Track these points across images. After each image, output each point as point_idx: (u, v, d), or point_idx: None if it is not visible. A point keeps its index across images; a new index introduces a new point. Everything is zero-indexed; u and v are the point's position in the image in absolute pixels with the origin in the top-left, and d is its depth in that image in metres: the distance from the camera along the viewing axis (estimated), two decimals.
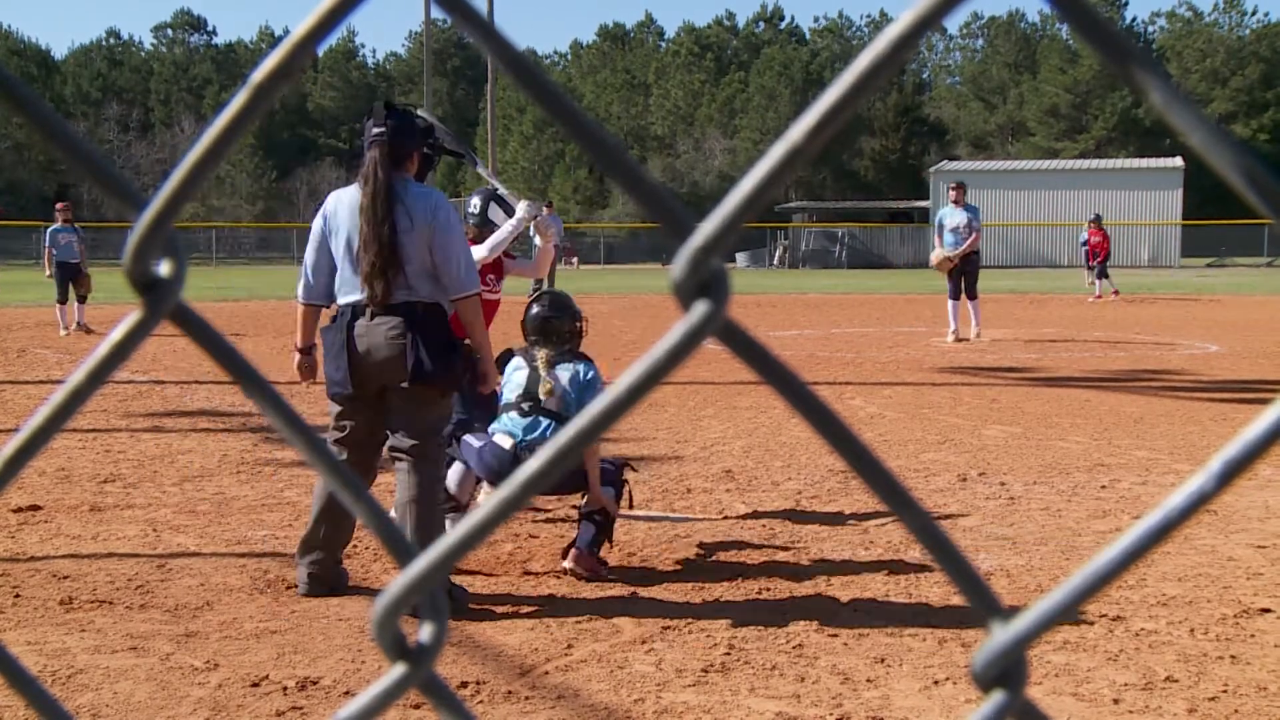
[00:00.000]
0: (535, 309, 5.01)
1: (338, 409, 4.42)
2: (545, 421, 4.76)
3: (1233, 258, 49.54)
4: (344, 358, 4.26)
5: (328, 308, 4.49)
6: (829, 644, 3.88)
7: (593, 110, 71.92)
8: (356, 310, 4.29)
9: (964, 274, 14.60)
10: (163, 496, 6.09)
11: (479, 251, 5.69)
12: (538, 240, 6.01)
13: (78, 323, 15.98)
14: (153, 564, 4.84)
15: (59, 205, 16.65)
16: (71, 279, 15.83)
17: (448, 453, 4.76)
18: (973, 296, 14.76)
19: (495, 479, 4.71)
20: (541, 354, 4.90)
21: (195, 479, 6.52)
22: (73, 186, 67.92)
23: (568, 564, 4.68)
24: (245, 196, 71.75)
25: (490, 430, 4.82)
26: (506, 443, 4.70)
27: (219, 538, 5.28)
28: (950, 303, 14.95)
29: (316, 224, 4.43)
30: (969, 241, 14.44)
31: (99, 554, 4.98)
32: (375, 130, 4.32)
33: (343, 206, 4.36)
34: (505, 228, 5.73)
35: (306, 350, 4.62)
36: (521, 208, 5.81)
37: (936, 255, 14.65)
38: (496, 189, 6.03)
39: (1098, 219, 23.95)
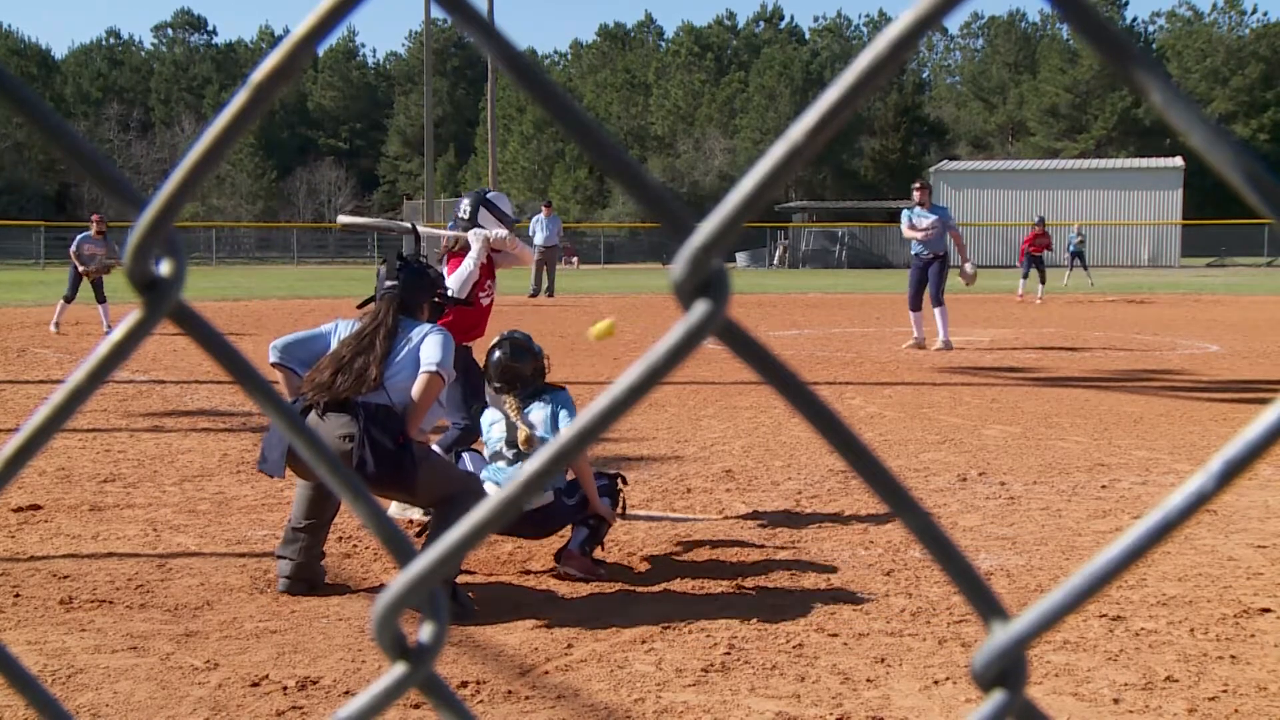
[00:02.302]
0: (496, 355, 4.99)
1: None
2: None
3: (1233, 258, 49.55)
4: (285, 443, 4.22)
5: (296, 375, 4.54)
6: (829, 644, 3.88)
7: (593, 110, 71.91)
8: (310, 405, 4.29)
9: (928, 279, 13.47)
10: (163, 496, 6.10)
11: (453, 282, 5.69)
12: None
13: (105, 325, 16.02)
14: (153, 564, 4.84)
15: (94, 217, 16.64)
16: (88, 278, 15.93)
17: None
18: (938, 302, 13.52)
19: None
20: (509, 400, 4.93)
21: (195, 479, 6.52)
22: (73, 186, 67.88)
23: (561, 567, 4.70)
24: (245, 196, 71.71)
25: (482, 478, 4.81)
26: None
27: (219, 537, 5.28)
28: (912, 314, 13.80)
29: (327, 325, 4.69)
30: (957, 242, 13.34)
31: (99, 554, 4.98)
32: (388, 284, 4.59)
33: (349, 330, 4.58)
34: (467, 264, 5.76)
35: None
36: (474, 243, 5.83)
37: (969, 271, 13.40)
38: (482, 200, 6.03)
39: (1041, 220, 23.88)
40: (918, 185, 13.78)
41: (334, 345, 4.51)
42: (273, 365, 4.57)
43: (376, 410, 4.22)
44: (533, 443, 4.81)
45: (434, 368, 4.36)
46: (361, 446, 4.13)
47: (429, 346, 4.44)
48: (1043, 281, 23.25)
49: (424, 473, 4.24)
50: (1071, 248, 30.14)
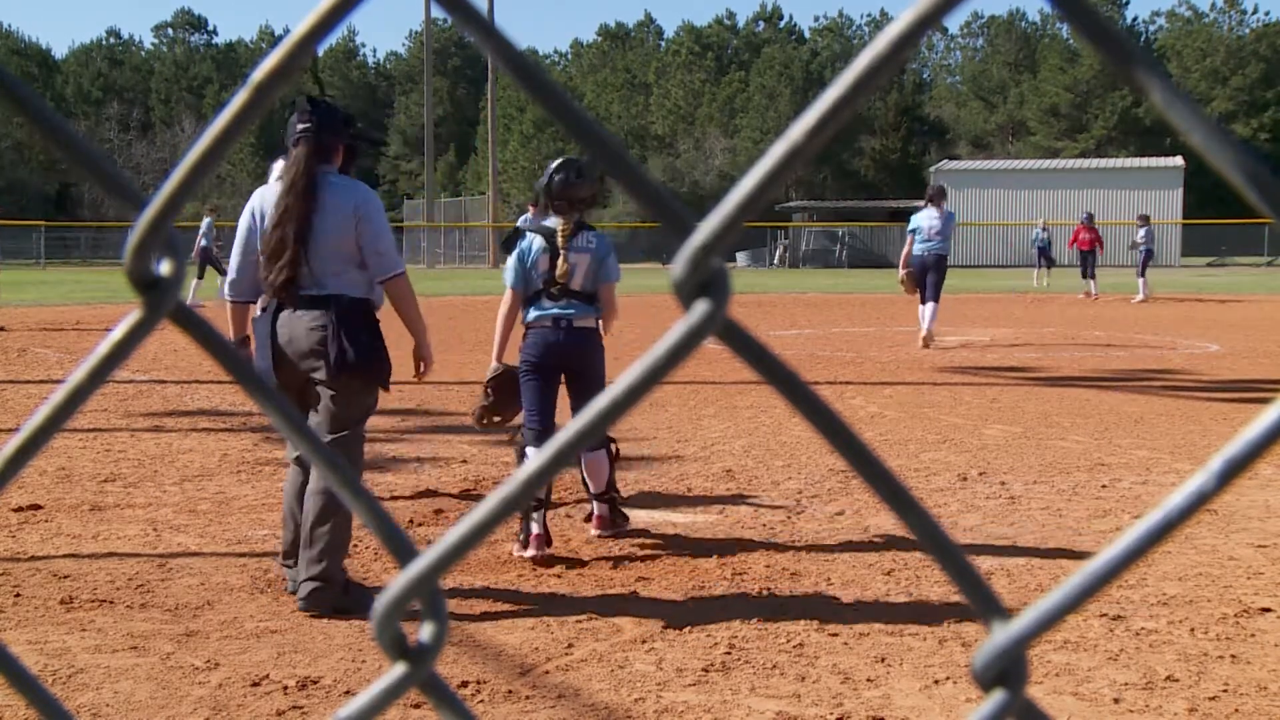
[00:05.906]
0: (558, 176, 5.09)
1: None
2: (573, 303, 5.05)
3: (1233, 257, 49.52)
4: (268, 348, 4.26)
5: (254, 303, 4.46)
6: (829, 643, 3.88)
7: (593, 110, 71.86)
8: (281, 303, 4.27)
9: (927, 279, 13.52)
10: (163, 496, 6.09)
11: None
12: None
13: None
14: (153, 563, 4.84)
15: None
16: None
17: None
18: (933, 299, 13.59)
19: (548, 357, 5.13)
20: (561, 223, 5.04)
21: (195, 478, 6.52)
22: (74, 185, 67.87)
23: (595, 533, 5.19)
24: (245, 196, 71.48)
25: (533, 313, 5.06)
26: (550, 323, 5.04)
27: (219, 537, 5.28)
28: (920, 307, 13.95)
29: (244, 221, 4.41)
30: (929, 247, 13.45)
31: (99, 553, 4.98)
32: (301, 126, 4.33)
33: (268, 204, 4.35)
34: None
35: (241, 343, 4.54)
36: None
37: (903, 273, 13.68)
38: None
39: (1090, 218, 24.11)
40: (934, 190, 14.15)
41: (261, 235, 4.31)
42: (233, 304, 4.47)
43: (350, 304, 4.23)
44: (570, 275, 4.98)
45: (388, 273, 4.32)
46: (338, 339, 4.16)
47: (369, 247, 4.27)
48: (1093, 278, 23.58)
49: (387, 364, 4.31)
50: (1036, 244, 30.26)
